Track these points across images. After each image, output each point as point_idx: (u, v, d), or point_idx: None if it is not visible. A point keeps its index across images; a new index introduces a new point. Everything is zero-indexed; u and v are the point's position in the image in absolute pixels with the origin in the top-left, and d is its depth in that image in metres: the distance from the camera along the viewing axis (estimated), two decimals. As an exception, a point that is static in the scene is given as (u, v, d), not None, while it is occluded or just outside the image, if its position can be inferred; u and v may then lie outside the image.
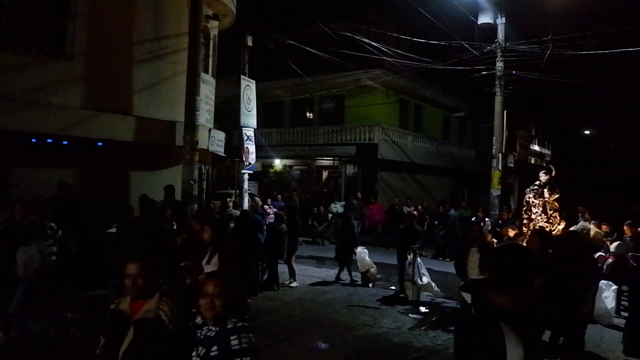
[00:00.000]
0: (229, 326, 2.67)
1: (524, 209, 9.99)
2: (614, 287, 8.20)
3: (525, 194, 9.97)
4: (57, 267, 7.34)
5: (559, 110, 35.09)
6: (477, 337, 2.01)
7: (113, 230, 7.15)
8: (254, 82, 13.62)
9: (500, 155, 15.22)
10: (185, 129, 9.64)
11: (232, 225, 9.91)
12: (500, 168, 15.15)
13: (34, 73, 8.71)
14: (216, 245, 5.68)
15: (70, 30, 9.22)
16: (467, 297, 6.06)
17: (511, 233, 8.75)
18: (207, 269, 5.45)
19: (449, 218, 15.88)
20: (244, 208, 11.91)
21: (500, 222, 12.74)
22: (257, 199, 11.63)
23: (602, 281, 8.20)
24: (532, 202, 9.72)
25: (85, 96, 9.40)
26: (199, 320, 2.78)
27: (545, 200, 9.49)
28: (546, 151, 47.44)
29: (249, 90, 13.34)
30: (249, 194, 13.72)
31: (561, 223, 9.55)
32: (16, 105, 8.29)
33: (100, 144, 9.74)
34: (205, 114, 11.55)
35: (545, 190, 9.50)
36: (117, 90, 9.92)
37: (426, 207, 17.96)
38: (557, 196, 9.57)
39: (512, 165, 16.34)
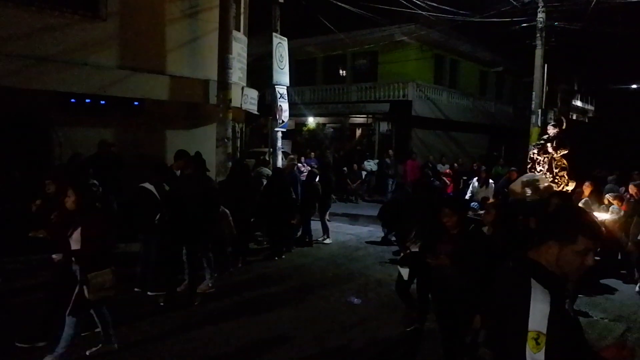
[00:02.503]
0: None
1: (529, 166, 9.13)
2: None
3: (530, 150, 9.08)
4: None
5: (604, 64, 33.40)
6: (505, 292, 2.01)
7: (147, 185, 6.50)
8: (285, 39, 13.45)
9: (539, 110, 14.79)
10: (218, 87, 9.70)
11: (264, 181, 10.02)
12: (539, 124, 14.72)
13: (70, 34, 8.85)
14: (79, 216, 4.53)
15: (104, -10, 9.27)
16: (405, 272, 5.37)
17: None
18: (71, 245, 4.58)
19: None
20: (277, 166, 12.01)
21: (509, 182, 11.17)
22: (292, 156, 11.62)
23: None
24: (536, 158, 8.78)
25: (120, 56, 9.52)
26: None
27: (552, 157, 8.53)
28: (589, 107, 45.65)
29: (281, 47, 13.20)
30: (282, 151, 13.80)
31: (570, 183, 8.61)
32: (55, 67, 8.49)
33: (136, 103, 9.94)
34: (238, 72, 11.54)
35: (549, 145, 8.50)
36: (150, 49, 10.00)
37: (461, 165, 17.71)
38: (564, 152, 8.54)
39: (552, 121, 15.84)
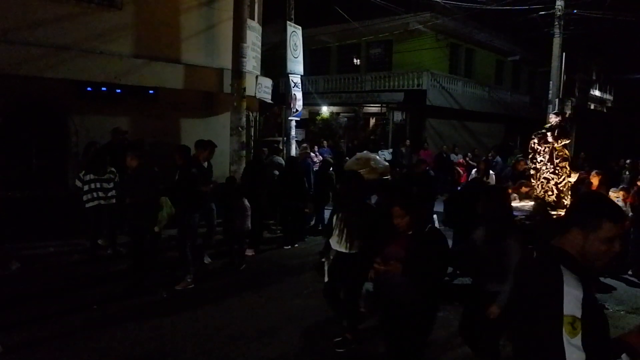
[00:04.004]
0: None
1: (530, 156, 8.67)
2: None
3: (531, 139, 8.48)
4: (117, 209, 7.76)
5: (624, 52, 32.77)
6: (534, 280, 1.98)
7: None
8: (300, 28, 13.40)
9: (557, 100, 14.59)
10: (232, 76, 9.71)
11: (276, 172, 10.02)
12: (556, 114, 14.52)
13: (86, 23, 8.89)
14: None
15: (119, -21, 9.29)
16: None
17: (524, 190, 7.82)
18: None
19: (496, 165, 15.47)
20: (291, 155, 12.02)
21: (514, 173, 10.89)
22: (305, 145, 11.63)
23: None
24: (537, 148, 8.29)
25: (135, 45, 9.55)
26: None
27: (552, 147, 8.05)
28: (607, 96, 44.89)
29: (295, 36, 13.15)
30: (296, 141, 13.80)
31: (572, 175, 8.20)
32: (71, 55, 8.53)
33: (151, 91, 10.00)
34: (252, 61, 11.52)
35: (549, 134, 8.03)
36: (166, 38, 10.02)
37: (477, 155, 17.55)
38: (566, 142, 8.07)
39: (569, 111, 15.58)
